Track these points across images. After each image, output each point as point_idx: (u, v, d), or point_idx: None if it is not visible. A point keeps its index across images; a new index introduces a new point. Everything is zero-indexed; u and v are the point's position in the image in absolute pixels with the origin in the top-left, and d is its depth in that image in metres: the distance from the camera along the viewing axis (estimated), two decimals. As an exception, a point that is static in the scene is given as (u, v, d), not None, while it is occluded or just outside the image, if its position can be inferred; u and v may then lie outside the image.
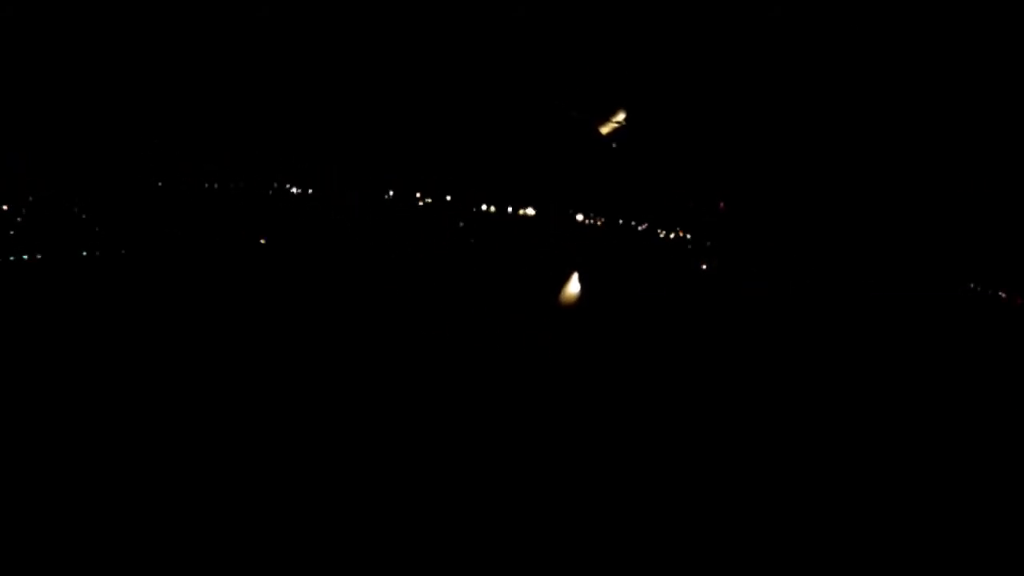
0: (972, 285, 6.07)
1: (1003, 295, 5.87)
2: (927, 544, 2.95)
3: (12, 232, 6.05)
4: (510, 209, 7.14)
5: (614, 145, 6.40)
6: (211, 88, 6.29)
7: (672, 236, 6.66)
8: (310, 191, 6.94)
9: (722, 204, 6.24)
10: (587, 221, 6.94)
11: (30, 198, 5.94)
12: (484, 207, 7.18)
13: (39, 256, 6.08)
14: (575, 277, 6.97)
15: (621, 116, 6.36)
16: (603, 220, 6.84)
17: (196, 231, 6.60)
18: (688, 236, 6.57)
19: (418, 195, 7.14)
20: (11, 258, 5.98)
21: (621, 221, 6.82)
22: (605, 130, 6.45)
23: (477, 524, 3.02)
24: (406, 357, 5.75)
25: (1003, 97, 5.65)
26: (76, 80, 5.83)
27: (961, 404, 4.67)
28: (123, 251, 6.41)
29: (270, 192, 6.85)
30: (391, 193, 7.09)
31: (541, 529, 3.00)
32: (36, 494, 3.23)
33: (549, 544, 2.89)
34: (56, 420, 4.18)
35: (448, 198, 7.16)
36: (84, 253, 6.23)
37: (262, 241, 6.89)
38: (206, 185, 6.60)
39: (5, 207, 5.92)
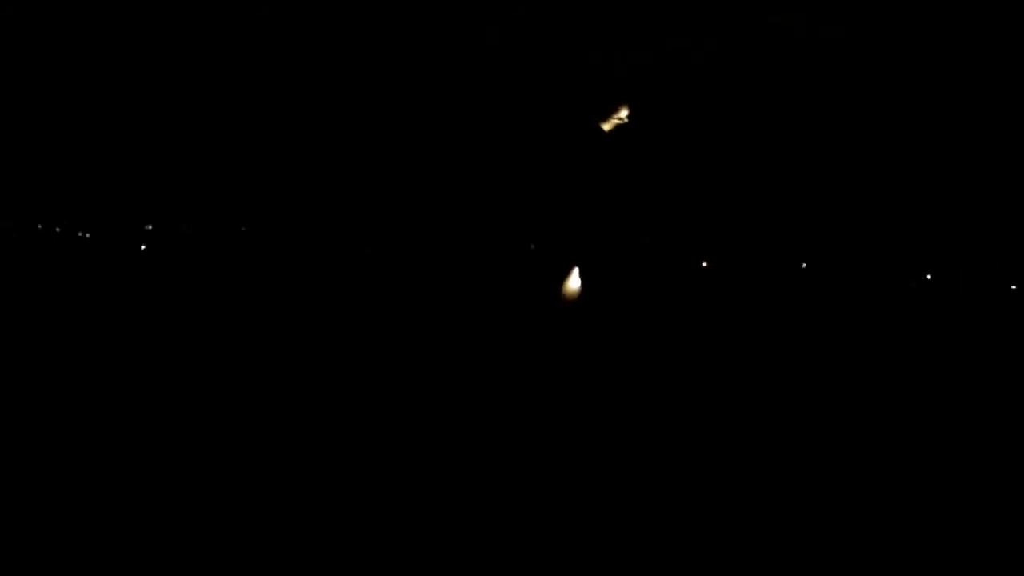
0: (972, 283, 6.08)
1: (1003, 293, 5.88)
2: (930, 545, 2.97)
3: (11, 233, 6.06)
4: (509, 208, 7.15)
5: (614, 144, 6.41)
6: (213, 90, 6.30)
7: (672, 235, 6.66)
8: (309, 192, 6.95)
9: (722, 203, 6.25)
10: (587, 219, 6.94)
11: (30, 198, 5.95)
12: (483, 206, 7.19)
13: (38, 257, 6.09)
14: (575, 274, 6.98)
15: (624, 114, 6.37)
16: (603, 218, 6.84)
17: (197, 232, 6.61)
18: (688, 236, 6.58)
19: (416, 194, 7.15)
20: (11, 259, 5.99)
21: (621, 220, 6.83)
22: (607, 127, 6.45)
23: (476, 524, 3.04)
24: (406, 356, 5.76)
25: (1004, 97, 5.66)
26: (77, 81, 5.83)
27: (962, 404, 4.68)
28: (122, 252, 6.42)
29: (270, 192, 6.86)
30: (388, 191, 7.10)
31: (541, 529, 3.02)
32: (36, 493, 3.24)
33: (549, 544, 2.91)
34: (55, 420, 4.20)
35: (446, 198, 7.17)
36: (83, 253, 6.24)
37: (260, 240, 6.90)
38: (206, 187, 6.61)
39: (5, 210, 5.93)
